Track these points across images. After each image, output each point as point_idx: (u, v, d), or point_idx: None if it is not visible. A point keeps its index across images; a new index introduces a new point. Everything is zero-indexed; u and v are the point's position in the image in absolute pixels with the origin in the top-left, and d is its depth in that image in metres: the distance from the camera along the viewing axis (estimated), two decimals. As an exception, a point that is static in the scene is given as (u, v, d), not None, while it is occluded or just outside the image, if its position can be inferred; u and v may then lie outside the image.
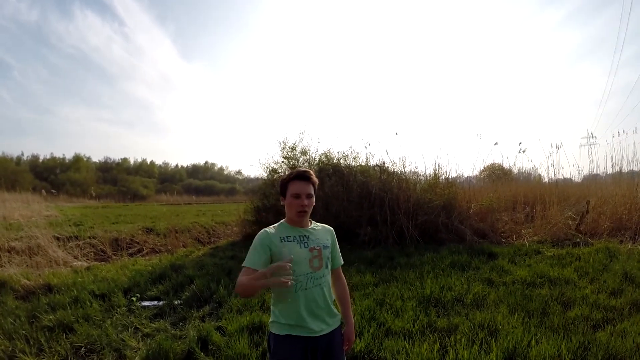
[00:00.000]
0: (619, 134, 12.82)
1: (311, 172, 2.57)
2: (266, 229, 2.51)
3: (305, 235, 2.51)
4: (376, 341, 4.41)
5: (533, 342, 4.17)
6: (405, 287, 6.49)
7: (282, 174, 12.65)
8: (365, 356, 4.15)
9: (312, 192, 2.53)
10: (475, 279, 6.81)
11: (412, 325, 4.83)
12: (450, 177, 12.80)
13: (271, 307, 2.53)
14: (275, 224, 2.57)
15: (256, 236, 2.46)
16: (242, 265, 2.37)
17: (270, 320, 2.50)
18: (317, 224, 2.70)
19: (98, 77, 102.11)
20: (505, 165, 16.08)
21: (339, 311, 2.66)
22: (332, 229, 2.78)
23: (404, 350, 4.14)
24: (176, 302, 6.38)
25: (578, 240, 9.69)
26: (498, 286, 6.41)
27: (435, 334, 4.58)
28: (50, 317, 5.61)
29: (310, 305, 2.42)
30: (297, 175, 2.51)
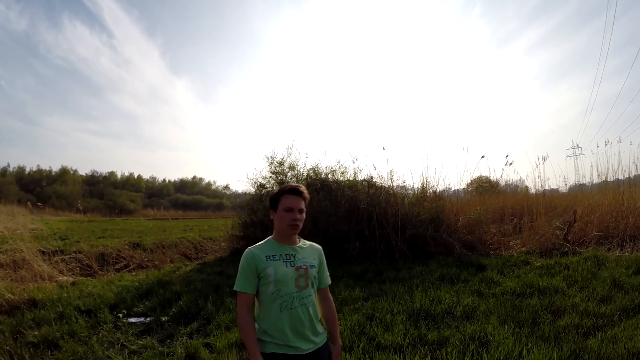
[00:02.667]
0: (605, 144, 12.93)
1: (304, 187, 2.56)
2: (251, 248, 2.49)
3: (291, 254, 2.48)
4: (367, 356, 4.37)
5: (524, 352, 4.16)
6: (395, 301, 6.46)
7: (270, 189, 12.65)
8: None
9: (304, 208, 2.52)
10: (465, 291, 6.80)
11: (402, 339, 4.80)
12: (437, 190, 12.86)
13: (255, 324, 2.46)
14: (262, 242, 2.55)
15: (242, 257, 2.45)
16: (235, 289, 2.39)
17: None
18: (306, 241, 2.68)
19: (86, 88, 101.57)
20: (493, 177, 16.13)
21: (324, 328, 2.62)
22: (320, 247, 2.76)
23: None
24: (163, 319, 6.31)
25: (566, 249, 9.72)
26: (488, 297, 6.41)
27: (426, 347, 4.55)
28: (35, 332, 5.54)
29: (295, 324, 2.39)
30: (290, 190, 2.50)
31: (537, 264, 8.50)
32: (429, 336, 4.89)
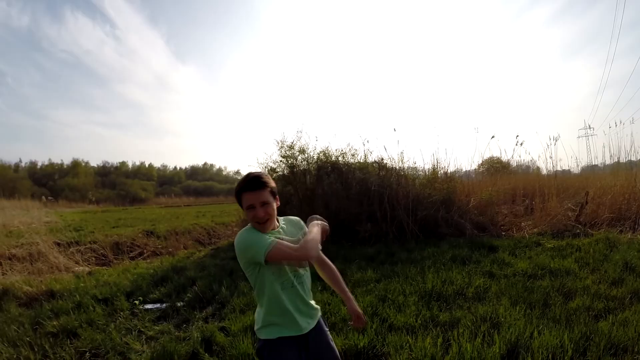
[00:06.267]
0: (616, 125, 12.80)
1: (263, 175, 2.39)
2: (243, 231, 2.39)
3: (278, 237, 2.36)
4: (379, 337, 4.42)
5: (535, 333, 4.17)
6: (407, 282, 6.50)
7: (280, 173, 12.64)
8: (369, 352, 4.16)
9: (268, 199, 2.34)
10: (477, 272, 6.81)
11: (414, 320, 4.84)
12: (449, 171, 12.82)
13: (256, 313, 2.51)
14: (246, 227, 2.42)
15: (244, 236, 2.33)
16: (270, 247, 2.21)
17: (258, 327, 2.45)
18: (281, 219, 2.60)
19: (91, 80, 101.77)
20: (504, 158, 16.04)
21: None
22: (298, 219, 2.70)
23: (407, 344, 4.16)
24: (179, 304, 6.41)
25: (578, 231, 9.71)
26: (499, 279, 6.42)
27: (438, 328, 4.59)
28: (54, 323, 5.64)
29: (296, 302, 2.42)
30: (246, 186, 2.34)
31: (549, 246, 8.50)
32: (440, 317, 4.92)
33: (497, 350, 3.87)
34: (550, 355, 3.76)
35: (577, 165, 14.91)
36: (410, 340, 4.25)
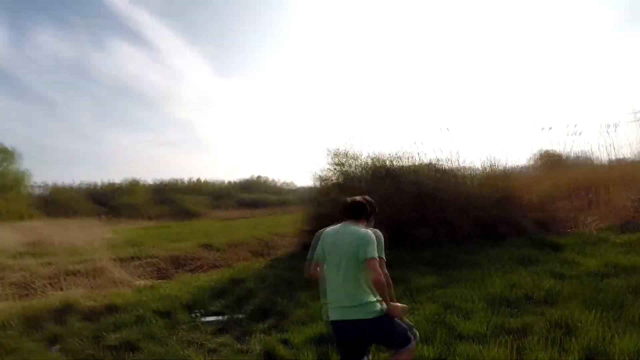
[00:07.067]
0: None
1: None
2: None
3: None
4: (448, 347, 4.24)
5: (615, 338, 3.90)
6: (472, 287, 6.27)
7: (334, 181, 12.53)
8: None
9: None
10: (544, 274, 6.53)
11: (484, 328, 4.63)
12: (505, 168, 12.40)
13: (356, 289, 2.94)
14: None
15: (373, 234, 3.03)
16: (375, 256, 2.89)
17: (372, 300, 2.95)
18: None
19: (139, 103, 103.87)
20: (560, 150, 15.29)
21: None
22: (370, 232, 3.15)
23: (479, 354, 3.96)
24: (239, 316, 6.38)
25: None
26: (569, 279, 6.12)
27: (509, 336, 4.35)
28: (116, 335, 5.70)
29: None
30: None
31: (618, 241, 8.11)
32: (510, 323, 4.70)
33: (576, 358, 3.64)
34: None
35: (632, 153, 14.02)
36: (480, 349, 4.06)
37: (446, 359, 4.05)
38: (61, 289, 8.89)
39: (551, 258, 7.43)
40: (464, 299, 5.74)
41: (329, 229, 3.24)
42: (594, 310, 4.72)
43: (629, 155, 14.43)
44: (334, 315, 3.04)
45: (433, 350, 4.14)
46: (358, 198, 3.28)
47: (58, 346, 5.62)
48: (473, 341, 4.34)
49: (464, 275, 6.94)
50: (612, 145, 13.65)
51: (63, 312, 7.14)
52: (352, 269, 2.92)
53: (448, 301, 5.70)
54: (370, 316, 2.88)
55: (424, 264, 8.28)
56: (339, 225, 3.20)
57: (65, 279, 9.44)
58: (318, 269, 3.29)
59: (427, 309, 5.38)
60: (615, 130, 12.40)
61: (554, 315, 4.69)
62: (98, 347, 5.40)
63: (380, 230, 3.26)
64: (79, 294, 8.13)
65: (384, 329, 2.93)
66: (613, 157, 13.14)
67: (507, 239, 9.77)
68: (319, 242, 3.24)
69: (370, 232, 3.03)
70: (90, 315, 7.09)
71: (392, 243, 10.02)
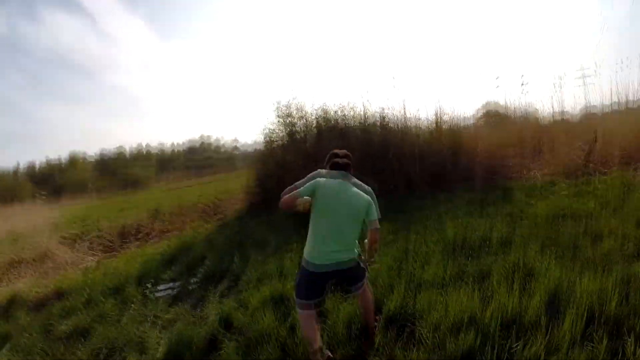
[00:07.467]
0: (622, 62, 11.96)
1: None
2: None
3: None
4: (409, 294, 4.18)
5: (575, 279, 3.91)
6: (427, 232, 6.23)
7: (280, 142, 12.28)
8: (402, 313, 3.91)
9: None
10: (497, 217, 6.54)
11: (442, 272, 4.58)
12: (452, 120, 12.34)
13: (356, 240, 3.40)
14: None
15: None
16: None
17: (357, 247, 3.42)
18: None
19: (76, 73, 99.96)
20: (505, 104, 15.20)
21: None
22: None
23: (443, 303, 3.88)
24: (193, 284, 6.22)
25: (590, 171, 9.39)
26: (522, 222, 6.17)
27: (470, 280, 4.32)
28: (66, 323, 5.43)
29: None
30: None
31: (564, 187, 8.26)
32: (469, 268, 4.67)
33: (540, 301, 3.62)
34: (594, 303, 3.49)
35: (578, 108, 14.10)
36: (444, 297, 4.00)
37: (408, 308, 3.96)
38: (7, 282, 8.42)
39: (503, 203, 7.49)
40: (420, 244, 5.68)
41: (327, 179, 3.42)
42: (548, 252, 4.72)
43: (574, 110, 14.52)
44: (317, 259, 3.24)
45: (395, 297, 4.06)
46: (342, 153, 3.72)
47: (8, 345, 5.30)
48: (434, 287, 4.28)
49: (419, 222, 6.90)
50: (557, 99, 13.63)
51: (9, 307, 6.78)
52: (352, 224, 3.32)
53: (404, 247, 5.64)
54: (353, 260, 3.34)
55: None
56: (335, 179, 3.45)
57: (10, 271, 8.97)
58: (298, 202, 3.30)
59: (384, 258, 5.28)
60: (560, 86, 12.39)
61: (512, 259, 4.66)
62: (48, 338, 5.11)
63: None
64: (24, 284, 7.75)
65: (360, 269, 3.43)
66: (559, 110, 13.17)
67: (459, 187, 9.82)
68: (314, 187, 3.33)
69: (371, 193, 3.55)
70: (38, 305, 6.71)
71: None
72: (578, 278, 3.92)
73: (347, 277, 3.41)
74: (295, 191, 3.31)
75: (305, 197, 3.27)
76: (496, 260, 4.76)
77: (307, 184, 3.37)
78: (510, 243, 5.33)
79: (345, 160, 3.64)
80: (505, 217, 6.54)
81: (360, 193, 3.39)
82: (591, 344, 3.08)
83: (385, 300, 4.13)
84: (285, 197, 3.30)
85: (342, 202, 3.29)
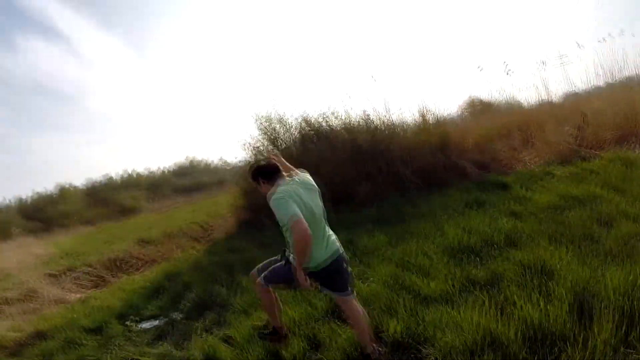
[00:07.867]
0: (604, 40, 11.69)
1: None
2: None
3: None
4: (414, 313, 3.72)
5: (600, 275, 3.50)
6: (425, 240, 5.77)
7: (263, 150, 11.90)
8: (407, 335, 3.48)
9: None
10: (498, 214, 6.12)
11: (450, 285, 4.10)
12: (438, 115, 12.06)
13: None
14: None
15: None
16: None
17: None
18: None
19: (57, 100, 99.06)
20: (489, 95, 15.02)
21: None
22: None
23: (454, 321, 3.41)
24: (177, 317, 5.79)
25: (584, 154, 9.12)
26: (526, 217, 5.76)
27: (480, 290, 3.85)
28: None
29: None
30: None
31: (562, 173, 7.94)
32: (478, 275, 4.20)
33: (566, 305, 3.17)
34: (627, 298, 3.07)
35: (556, 94, 13.89)
36: (453, 313, 3.51)
37: (413, 330, 3.50)
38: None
39: (501, 198, 7.09)
40: (419, 254, 5.22)
41: (287, 188, 3.24)
42: (562, 247, 4.30)
43: (558, 92, 14.31)
44: (333, 253, 3.26)
45: (398, 324, 3.59)
46: (266, 161, 3.68)
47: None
48: (441, 302, 3.82)
49: (415, 229, 6.45)
50: (543, 84, 13.39)
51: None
52: (324, 219, 3.37)
53: (403, 259, 5.20)
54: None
55: (369, 222, 7.78)
56: (288, 183, 3.33)
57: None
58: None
59: (382, 272, 4.89)
60: (544, 70, 12.18)
61: (523, 259, 4.24)
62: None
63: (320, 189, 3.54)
64: (3, 327, 7.29)
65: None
66: (546, 97, 12.94)
67: (451, 185, 9.43)
68: (294, 202, 3.09)
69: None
70: (18, 348, 6.27)
71: (334, 204, 9.61)
72: (602, 273, 3.52)
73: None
74: (297, 219, 2.93)
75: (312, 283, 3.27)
76: (506, 263, 4.32)
77: (287, 206, 3.02)
78: (517, 241, 4.94)
79: (273, 164, 3.59)
80: (506, 213, 6.16)
81: (314, 188, 3.47)
82: (634, 353, 2.67)
83: (386, 321, 3.69)
84: (299, 242, 2.94)
85: (315, 204, 3.31)
